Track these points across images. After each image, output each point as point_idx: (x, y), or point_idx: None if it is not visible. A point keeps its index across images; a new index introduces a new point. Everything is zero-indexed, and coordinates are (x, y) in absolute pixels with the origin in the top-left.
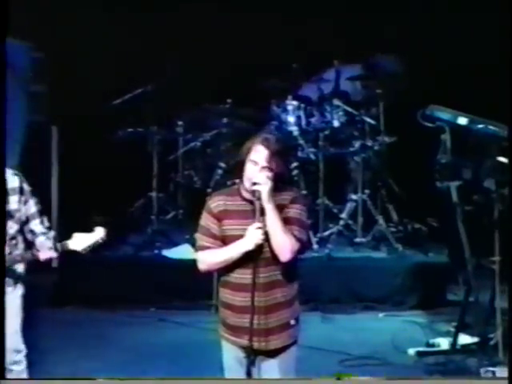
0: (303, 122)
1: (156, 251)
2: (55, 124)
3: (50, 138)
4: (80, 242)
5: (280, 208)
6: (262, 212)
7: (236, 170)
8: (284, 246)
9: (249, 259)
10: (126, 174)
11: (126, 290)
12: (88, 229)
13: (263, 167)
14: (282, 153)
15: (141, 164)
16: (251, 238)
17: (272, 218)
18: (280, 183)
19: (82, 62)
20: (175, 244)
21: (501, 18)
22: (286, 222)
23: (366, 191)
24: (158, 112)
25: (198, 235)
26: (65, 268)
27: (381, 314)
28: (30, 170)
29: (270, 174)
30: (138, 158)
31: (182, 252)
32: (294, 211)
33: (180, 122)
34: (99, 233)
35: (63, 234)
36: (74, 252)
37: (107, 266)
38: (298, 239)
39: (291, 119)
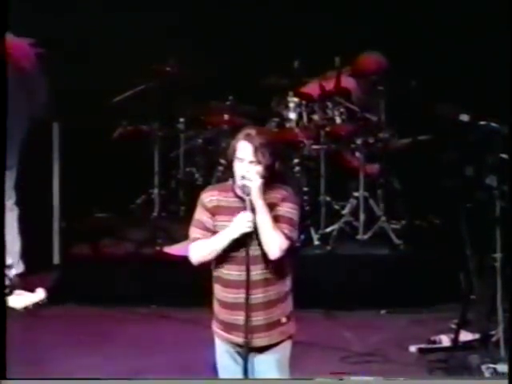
0: (305, 119)
1: (157, 248)
2: (56, 121)
3: (52, 134)
4: (20, 300)
5: (271, 206)
6: (253, 208)
7: (228, 170)
8: (273, 243)
9: (240, 256)
10: (127, 170)
11: (127, 287)
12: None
13: (250, 162)
14: (267, 144)
15: (142, 161)
16: (238, 225)
17: (262, 215)
18: (271, 177)
19: (83, 59)
20: (176, 241)
21: (501, 15)
22: (277, 220)
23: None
24: (159, 109)
25: (191, 228)
26: (66, 265)
27: (382, 311)
28: (32, 167)
29: (258, 169)
30: (139, 155)
31: (183, 248)
32: (285, 210)
33: (181, 119)
34: (39, 295)
35: (64, 231)
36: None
37: (108, 262)
38: (288, 237)
39: (292, 116)
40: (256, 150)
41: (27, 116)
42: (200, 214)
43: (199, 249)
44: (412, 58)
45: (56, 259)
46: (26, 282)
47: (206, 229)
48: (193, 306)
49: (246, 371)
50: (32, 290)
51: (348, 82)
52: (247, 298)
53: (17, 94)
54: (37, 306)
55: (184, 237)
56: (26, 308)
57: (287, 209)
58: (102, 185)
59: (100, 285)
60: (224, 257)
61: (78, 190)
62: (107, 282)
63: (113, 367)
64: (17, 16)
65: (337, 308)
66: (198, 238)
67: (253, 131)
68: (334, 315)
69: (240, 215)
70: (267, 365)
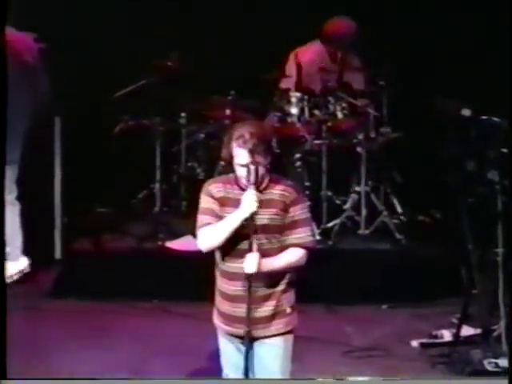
0: (306, 114)
1: (159, 242)
2: (58, 116)
3: (53, 129)
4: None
5: (280, 205)
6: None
7: (228, 167)
8: (300, 263)
9: (245, 248)
10: (128, 165)
11: (128, 282)
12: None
13: (250, 163)
14: (261, 144)
15: (144, 156)
16: (246, 206)
17: (277, 265)
18: (272, 170)
19: (85, 53)
20: (178, 235)
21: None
22: (293, 226)
23: (370, 183)
24: (160, 104)
25: (200, 217)
26: (67, 260)
27: (384, 306)
28: (33, 161)
29: (261, 169)
30: (140, 150)
31: (185, 243)
32: (299, 213)
33: (183, 114)
34: (22, 263)
35: (66, 226)
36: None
37: (110, 257)
38: (305, 245)
39: (294, 111)
40: (252, 153)
41: (29, 111)
42: (208, 203)
43: (209, 234)
44: (413, 53)
45: (58, 254)
46: (27, 277)
47: (216, 215)
48: (194, 301)
49: (247, 363)
50: (16, 260)
51: (315, 48)
52: (249, 290)
53: (18, 88)
54: (21, 274)
55: (186, 231)
56: (10, 278)
57: (299, 211)
58: (103, 180)
59: (102, 280)
60: (230, 249)
61: (79, 185)
62: (109, 277)
63: (114, 362)
64: (18, 10)
65: (338, 303)
66: (209, 223)
67: (245, 133)
68: (335, 310)
69: (246, 194)
70: (271, 356)
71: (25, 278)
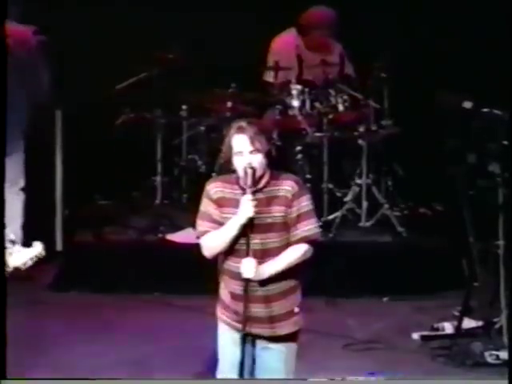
0: (307, 107)
1: (160, 235)
2: (59, 108)
3: (54, 122)
4: (18, 257)
5: (283, 201)
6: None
7: (226, 165)
8: (302, 259)
9: (250, 248)
10: (129, 158)
11: (129, 274)
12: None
13: (250, 152)
14: (261, 132)
15: (145, 148)
16: (243, 211)
17: (281, 266)
18: (271, 163)
19: (85, 46)
20: (179, 228)
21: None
22: (301, 218)
23: (371, 175)
24: (161, 96)
25: (198, 221)
26: (68, 251)
27: (385, 299)
28: (34, 154)
29: (260, 157)
30: (141, 142)
31: (185, 236)
32: (303, 205)
33: (184, 107)
34: (37, 248)
35: (67, 218)
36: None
37: (111, 250)
38: (312, 237)
39: (295, 103)
40: (252, 140)
41: (29, 103)
42: (206, 206)
43: (210, 241)
44: (414, 45)
45: (59, 246)
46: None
47: (214, 221)
48: (195, 294)
49: (242, 362)
50: (29, 245)
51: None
52: (246, 290)
53: (18, 80)
54: (36, 260)
55: (186, 224)
56: (25, 265)
57: (302, 204)
58: (104, 172)
59: (102, 272)
60: (232, 249)
61: (80, 178)
62: (110, 270)
63: (115, 354)
64: (17, 3)
65: (339, 295)
66: (207, 231)
67: (243, 123)
68: (336, 303)
69: (243, 199)
70: (276, 356)
71: (25, 270)
